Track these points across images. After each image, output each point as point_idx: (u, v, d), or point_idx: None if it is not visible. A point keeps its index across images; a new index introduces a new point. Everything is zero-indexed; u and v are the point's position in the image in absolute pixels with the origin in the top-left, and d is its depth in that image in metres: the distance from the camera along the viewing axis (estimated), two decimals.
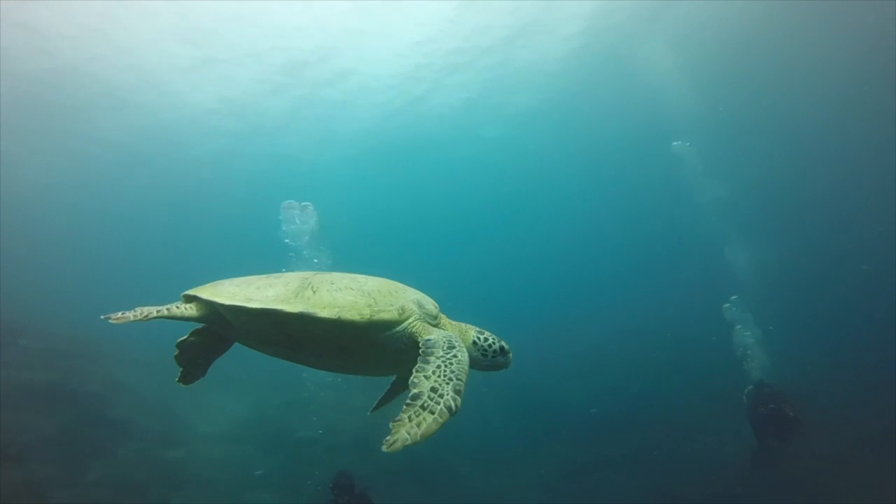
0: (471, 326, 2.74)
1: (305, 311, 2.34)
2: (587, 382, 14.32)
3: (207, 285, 2.71)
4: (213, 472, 10.01)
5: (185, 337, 2.84)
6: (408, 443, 1.92)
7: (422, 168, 31.18)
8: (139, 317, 2.54)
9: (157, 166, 25.46)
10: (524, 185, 34.37)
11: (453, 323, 2.71)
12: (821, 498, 8.97)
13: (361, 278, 2.62)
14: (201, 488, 9.29)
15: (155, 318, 2.57)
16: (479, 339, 2.70)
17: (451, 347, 2.34)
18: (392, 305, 2.45)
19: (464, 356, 2.32)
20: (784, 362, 13.66)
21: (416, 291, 2.69)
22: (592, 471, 10.37)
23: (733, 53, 20.48)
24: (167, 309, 2.62)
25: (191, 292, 2.70)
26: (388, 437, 1.91)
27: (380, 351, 2.51)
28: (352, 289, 2.48)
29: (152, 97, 19.24)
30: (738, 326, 12.95)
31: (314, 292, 2.44)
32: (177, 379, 2.90)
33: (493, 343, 2.68)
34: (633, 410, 13.02)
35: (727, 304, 14.11)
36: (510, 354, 2.71)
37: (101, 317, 2.52)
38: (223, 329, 2.77)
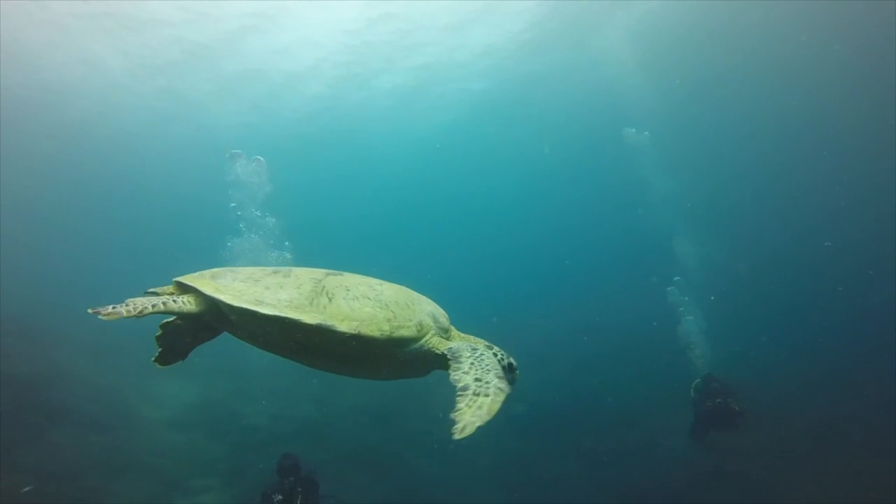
0: (480, 340, 2.68)
1: (323, 322, 2.22)
2: (538, 375, 14.67)
3: (205, 275, 2.50)
4: (156, 458, 9.75)
5: (172, 319, 2.69)
6: (477, 423, 1.95)
7: (364, 156, 30.74)
8: (133, 313, 2.27)
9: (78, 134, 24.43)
10: (473, 178, 34.40)
11: (462, 335, 2.68)
12: (759, 492, 9.44)
13: (376, 284, 2.53)
14: (143, 474, 9.04)
15: (150, 313, 2.32)
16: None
17: (475, 350, 2.41)
18: (411, 321, 2.40)
19: (488, 355, 2.38)
20: (728, 354, 14.32)
21: (430, 301, 2.66)
22: (541, 462, 10.65)
23: (688, 46, 20.93)
24: (163, 303, 2.37)
25: (186, 281, 2.48)
26: (455, 426, 1.94)
27: (391, 361, 2.49)
28: (369, 298, 2.38)
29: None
30: (687, 318, 13.23)
31: (330, 300, 2.33)
32: (153, 358, 2.73)
33: (503, 359, 2.57)
34: (583, 404, 13.42)
35: (671, 287, 14.41)
36: (516, 372, 2.60)
37: (89, 310, 2.23)
38: (220, 324, 2.60)
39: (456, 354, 2.36)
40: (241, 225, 14.34)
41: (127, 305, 2.29)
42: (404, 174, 34.30)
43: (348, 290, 2.40)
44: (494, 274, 32.80)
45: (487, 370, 2.22)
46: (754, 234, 26.93)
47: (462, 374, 2.20)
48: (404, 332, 2.35)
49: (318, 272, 2.54)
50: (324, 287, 2.39)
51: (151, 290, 2.63)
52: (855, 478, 9.68)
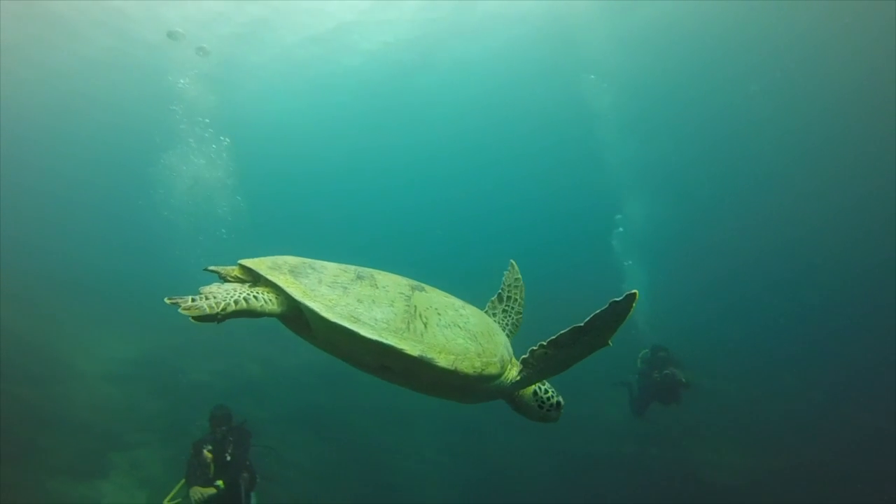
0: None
1: (424, 355, 2.15)
2: None
3: (282, 267, 2.29)
4: (90, 412, 9.51)
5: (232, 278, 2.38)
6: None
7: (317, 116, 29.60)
8: (216, 310, 2.06)
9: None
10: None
11: (515, 361, 2.56)
12: (692, 463, 9.97)
13: (459, 307, 2.47)
14: (75, 429, 8.81)
15: (233, 311, 2.10)
16: (539, 389, 2.62)
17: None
18: (495, 357, 2.35)
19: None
20: (674, 326, 14.90)
21: (500, 329, 2.62)
22: (487, 429, 10.95)
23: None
24: (245, 300, 2.16)
25: (262, 272, 2.25)
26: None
27: (466, 393, 2.47)
28: (459, 327, 2.33)
29: None
30: (631, 276, 13.37)
31: (425, 325, 2.25)
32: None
33: (553, 397, 2.61)
34: None
35: (619, 229, 14.35)
36: (561, 410, 2.64)
37: (167, 300, 2.03)
38: (293, 325, 2.38)
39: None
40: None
41: (207, 300, 2.08)
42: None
43: (439, 315, 2.32)
44: (444, 241, 32.70)
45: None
46: (707, 209, 27.49)
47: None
48: (491, 370, 2.31)
49: (403, 284, 2.42)
50: (416, 308, 2.29)
51: (213, 268, 2.41)
52: (778, 452, 10.50)
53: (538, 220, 33.10)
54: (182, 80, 16.70)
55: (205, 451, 5.27)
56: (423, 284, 2.52)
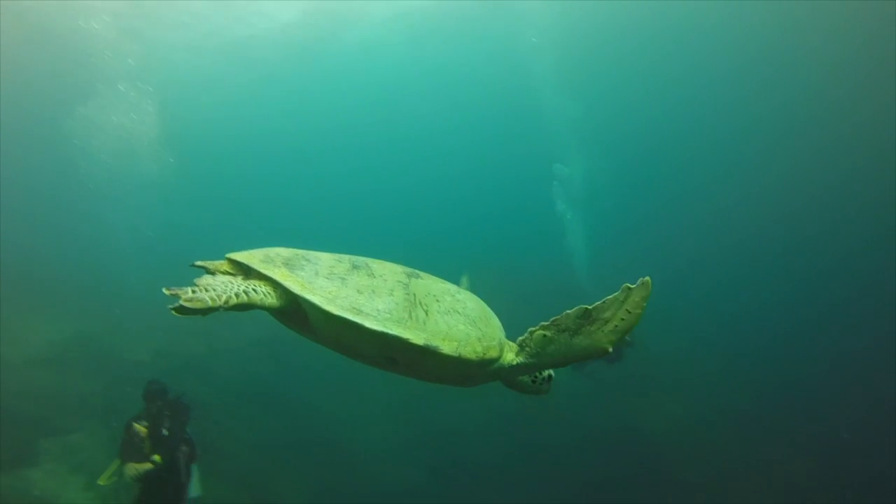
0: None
1: (429, 344, 2.13)
2: None
3: (275, 260, 2.20)
4: (14, 399, 8.91)
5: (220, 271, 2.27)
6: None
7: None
8: (218, 303, 1.96)
9: None
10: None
11: (510, 343, 2.58)
12: (630, 414, 10.37)
13: (455, 292, 2.44)
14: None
15: (235, 304, 2.02)
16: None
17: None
18: (494, 340, 2.33)
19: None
20: (617, 281, 15.30)
21: (493, 312, 2.58)
22: (439, 396, 11.00)
23: None
24: (245, 294, 2.07)
25: (255, 266, 2.16)
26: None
27: (466, 377, 2.44)
28: (458, 313, 2.31)
29: None
30: (572, 230, 13.48)
31: (426, 313, 2.22)
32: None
33: (544, 370, 2.63)
34: None
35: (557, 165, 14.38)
36: (551, 382, 2.68)
37: (165, 290, 1.90)
38: (291, 321, 2.32)
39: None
40: None
41: (207, 291, 1.98)
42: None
43: (438, 302, 2.29)
44: (384, 208, 32.21)
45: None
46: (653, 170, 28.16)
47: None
48: (492, 353, 2.30)
49: (399, 272, 2.38)
50: (415, 296, 2.26)
51: (199, 263, 2.27)
52: (712, 404, 11.12)
53: (479, 182, 33.04)
54: (96, 25, 15.22)
55: (136, 426, 5.01)
56: (417, 271, 2.49)
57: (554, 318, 2.27)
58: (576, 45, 22.81)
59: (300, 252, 2.35)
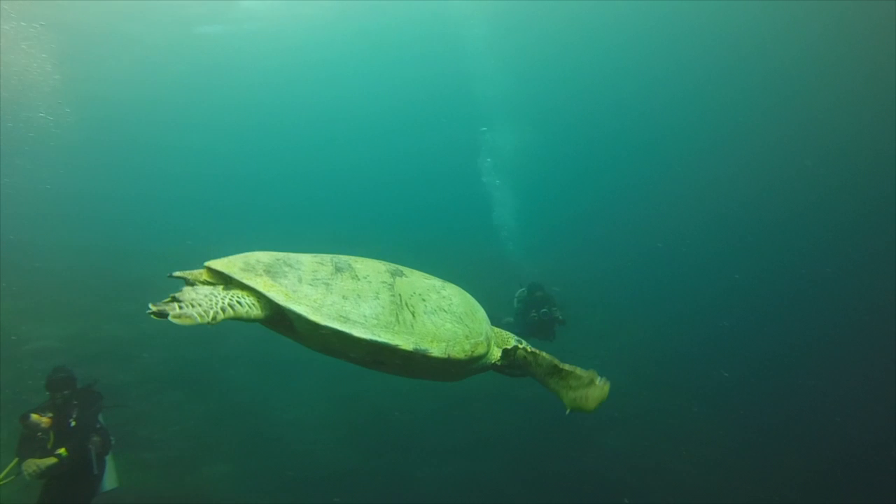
0: (511, 335, 2.72)
1: (418, 347, 2.13)
2: None
3: (255, 268, 2.14)
4: None
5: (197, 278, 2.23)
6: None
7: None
8: (206, 319, 1.91)
9: None
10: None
11: (495, 329, 2.66)
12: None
13: (440, 288, 2.44)
14: None
15: (222, 319, 1.97)
16: (519, 349, 2.70)
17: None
18: (481, 335, 2.38)
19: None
20: (549, 256, 15.55)
21: (477, 303, 2.61)
22: (374, 377, 10.91)
23: None
24: (231, 307, 2.01)
25: (235, 276, 2.09)
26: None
27: (452, 373, 2.46)
28: (445, 311, 2.31)
29: None
30: (501, 205, 13.49)
31: (413, 315, 2.21)
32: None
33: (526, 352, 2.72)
34: None
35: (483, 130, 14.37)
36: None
37: (151, 307, 1.82)
38: (277, 327, 2.27)
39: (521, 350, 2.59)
40: None
41: (194, 307, 1.92)
42: None
43: (424, 301, 2.29)
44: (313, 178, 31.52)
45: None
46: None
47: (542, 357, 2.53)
48: (480, 350, 2.35)
49: (382, 271, 2.35)
50: (400, 297, 2.24)
51: (178, 273, 2.21)
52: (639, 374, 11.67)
53: (409, 151, 32.80)
54: None
55: (34, 418, 4.63)
56: (400, 268, 2.46)
57: (535, 350, 2.51)
58: (509, 16, 22.74)
59: (280, 257, 2.27)
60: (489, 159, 15.68)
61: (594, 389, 2.40)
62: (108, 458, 5.17)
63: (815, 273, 17.65)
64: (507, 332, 2.74)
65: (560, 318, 8.26)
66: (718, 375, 12.06)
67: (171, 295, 1.97)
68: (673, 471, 9.02)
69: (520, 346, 2.60)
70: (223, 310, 1.99)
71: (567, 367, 2.45)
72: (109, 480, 5.18)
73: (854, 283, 17.04)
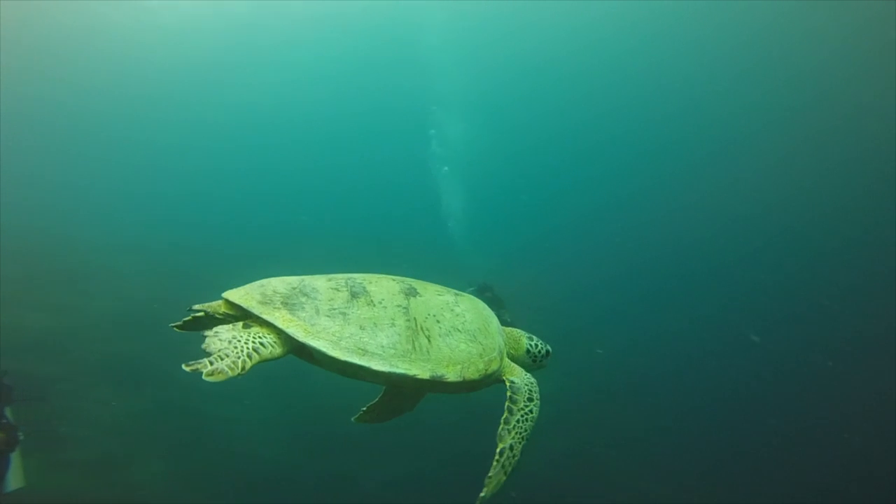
0: (522, 333, 2.78)
1: (435, 374, 2.19)
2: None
3: (273, 300, 2.19)
4: None
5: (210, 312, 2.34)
6: (495, 487, 2.22)
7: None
8: (237, 370, 1.97)
9: None
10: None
11: (507, 330, 2.71)
12: None
13: (453, 304, 2.44)
14: None
15: (250, 367, 2.01)
16: (531, 346, 2.75)
17: (531, 400, 2.44)
18: (494, 350, 2.40)
19: (537, 410, 2.45)
20: (497, 249, 15.52)
21: (491, 312, 2.62)
22: (314, 371, 10.63)
23: None
24: (256, 352, 2.05)
25: (254, 310, 2.15)
26: (482, 495, 2.18)
27: (470, 389, 2.44)
28: (459, 331, 2.34)
29: None
30: (448, 195, 13.43)
31: (429, 339, 2.25)
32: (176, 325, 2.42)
33: (542, 348, 2.76)
34: None
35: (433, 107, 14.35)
36: (550, 356, 2.81)
37: (185, 367, 1.93)
38: (297, 353, 2.28)
39: (514, 397, 2.41)
40: None
41: (222, 360, 1.97)
42: None
43: (439, 323, 2.31)
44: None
45: (522, 439, 2.34)
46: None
47: (506, 433, 2.32)
48: (494, 366, 2.38)
49: (396, 292, 2.36)
50: (416, 321, 2.27)
51: (197, 307, 2.32)
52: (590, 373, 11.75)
53: (357, 139, 32.61)
54: None
55: None
56: (414, 285, 2.47)
57: (513, 408, 2.45)
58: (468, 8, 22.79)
59: (296, 285, 2.29)
60: (446, 168, 15.61)
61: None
62: (14, 456, 4.76)
63: (797, 288, 17.92)
64: (519, 331, 2.79)
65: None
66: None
67: (202, 346, 2.06)
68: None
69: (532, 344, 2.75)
70: (249, 357, 2.03)
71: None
72: (14, 480, 4.78)
73: (841, 298, 16.76)
